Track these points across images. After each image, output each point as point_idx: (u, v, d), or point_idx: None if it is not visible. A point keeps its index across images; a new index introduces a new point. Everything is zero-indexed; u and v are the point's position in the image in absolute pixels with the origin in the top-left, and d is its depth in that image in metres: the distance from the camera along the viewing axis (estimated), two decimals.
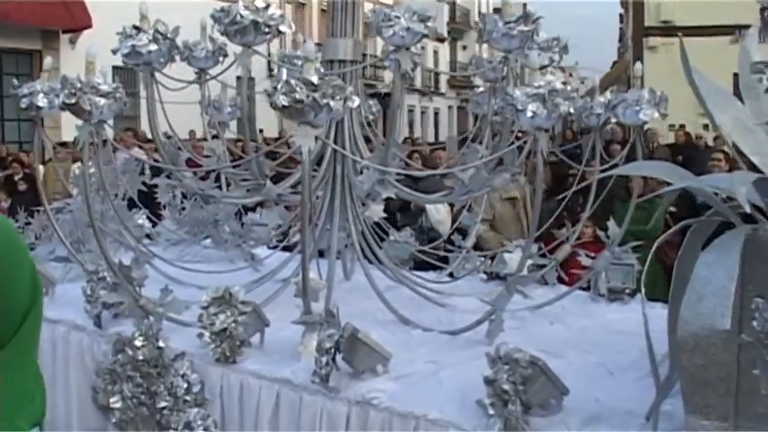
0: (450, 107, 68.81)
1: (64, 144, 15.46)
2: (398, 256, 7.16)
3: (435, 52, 62.40)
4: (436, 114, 66.90)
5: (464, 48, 68.75)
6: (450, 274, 7.30)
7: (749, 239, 3.49)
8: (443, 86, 67.55)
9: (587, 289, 6.57)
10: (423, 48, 58.65)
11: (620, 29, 52.40)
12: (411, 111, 56.63)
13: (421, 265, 7.55)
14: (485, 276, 7.16)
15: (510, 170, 5.88)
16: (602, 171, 5.67)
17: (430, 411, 4.21)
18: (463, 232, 7.53)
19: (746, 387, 3.47)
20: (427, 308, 6.09)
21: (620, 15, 50.88)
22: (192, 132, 17.89)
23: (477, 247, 7.67)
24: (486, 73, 6.70)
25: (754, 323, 3.33)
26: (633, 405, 4.07)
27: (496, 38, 5.64)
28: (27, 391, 1.93)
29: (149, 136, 7.00)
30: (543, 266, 6.53)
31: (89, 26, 26.31)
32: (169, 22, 5.97)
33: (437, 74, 67.33)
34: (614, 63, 55.55)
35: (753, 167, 3.67)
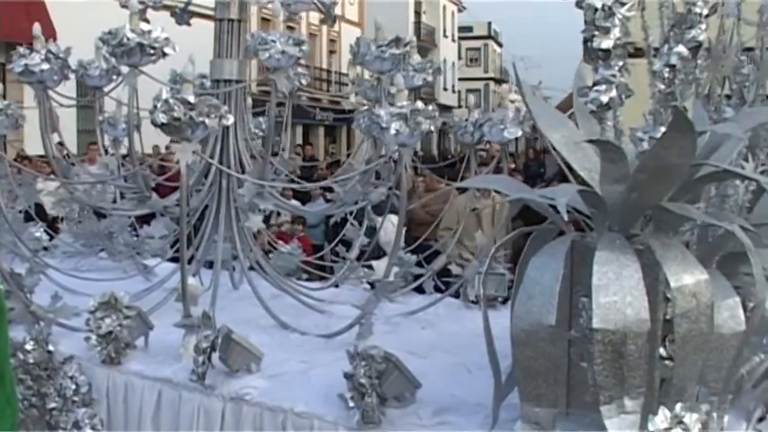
0: None
1: (27, 158, 15.35)
2: (285, 267, 7.42)
3: None
4: None
5: None
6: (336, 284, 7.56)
7: (577, 246, 3.87)
8: None
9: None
10: None
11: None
12: None
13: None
14: (368, 286, 7.43)
15: (385, 185, 6.21)
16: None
17: (297, 405, 4.54)
18: (347, 244, 7.81)
19: (576, 378, 3.86)
20: (308, 314, 6.38)
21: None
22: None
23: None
24: (366, 92, 7.00)
25: (581, 320, 3.66)
26: (484, 399, 4.37)
27: (369, 60, 5.97)
28: None
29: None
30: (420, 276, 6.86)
31: (53, 39, 25.78)
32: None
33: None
34: None
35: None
